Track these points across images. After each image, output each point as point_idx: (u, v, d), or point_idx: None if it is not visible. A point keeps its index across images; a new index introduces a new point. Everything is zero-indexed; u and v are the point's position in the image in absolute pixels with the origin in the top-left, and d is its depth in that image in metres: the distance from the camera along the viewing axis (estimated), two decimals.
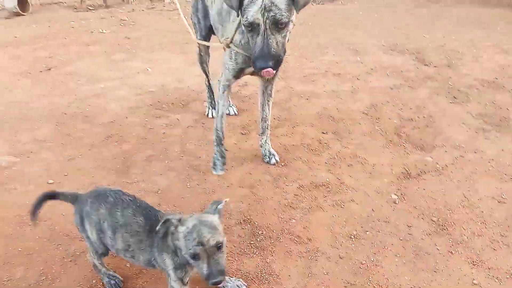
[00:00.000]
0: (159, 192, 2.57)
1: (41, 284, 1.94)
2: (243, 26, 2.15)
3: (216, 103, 2.68)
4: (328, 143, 3.02)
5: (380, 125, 3.25)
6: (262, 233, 2.21)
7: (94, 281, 1.94)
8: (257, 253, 2.09)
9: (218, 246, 1.53)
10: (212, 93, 3.45)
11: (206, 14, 2.95)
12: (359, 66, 4.61)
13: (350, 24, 6.72)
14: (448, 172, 2.67)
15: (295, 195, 2.49)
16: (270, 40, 2.05)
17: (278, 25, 2.05)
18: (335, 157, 2.86)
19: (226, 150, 2.74)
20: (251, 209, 2.38)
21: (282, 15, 2.03)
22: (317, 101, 3.72)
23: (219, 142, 2.68)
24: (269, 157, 2.81)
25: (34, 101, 4.06)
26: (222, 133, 2.66)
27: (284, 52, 2.14)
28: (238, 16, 2.16)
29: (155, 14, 8.64)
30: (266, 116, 2.77)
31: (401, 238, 2.16)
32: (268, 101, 2.74)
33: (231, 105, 3.53)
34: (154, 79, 4.50)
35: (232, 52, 2.42)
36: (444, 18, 6.77)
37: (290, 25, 2.14)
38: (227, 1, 2.17)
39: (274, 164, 2.77)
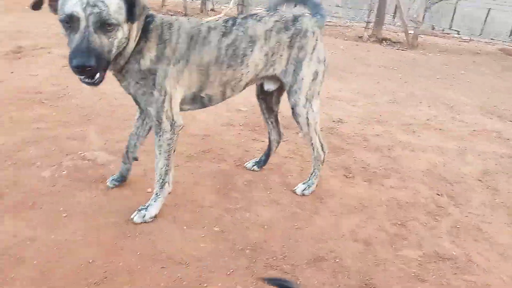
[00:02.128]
0: (265, 227, 2.33)
1: None
2: (60, 24, 1.78)
3: None
4: (446, 208, 2.71)
5: (500, 198, 2.92)
6: None
7: None
8: None
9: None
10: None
11: None
12: (460, 125, 4.30)
13: (439, 77, 6.43)
14: None
15: (419, 264, 2.18)
16: (91, 38, 1.72)
17: (107, 26, 1.76)
18: (457, 226, 2.54)
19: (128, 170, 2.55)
20: (371, 271, 2.09)
21: (110, 15, 1.75)
22: (423, 156, 3.43)
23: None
24: (137, 210, 2.28)
25: (124, 98, 3.95)
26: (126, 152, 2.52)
27: (108, 58, 1.82)
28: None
29: None
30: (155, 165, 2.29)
31: None
32: (156, 147, 2.26)
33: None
34: (244, 97, 4.33)
35: None
36: None
37: (120, 33, 1.83)
38: None
39: (133, 221, 2.23)
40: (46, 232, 2.09)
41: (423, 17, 16.73)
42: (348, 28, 10.72)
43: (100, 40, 1.75)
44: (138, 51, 1.99)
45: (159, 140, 2.18)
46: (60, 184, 2.51)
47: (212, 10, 10.81)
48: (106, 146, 3.00)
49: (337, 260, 2.14)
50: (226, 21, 2.24)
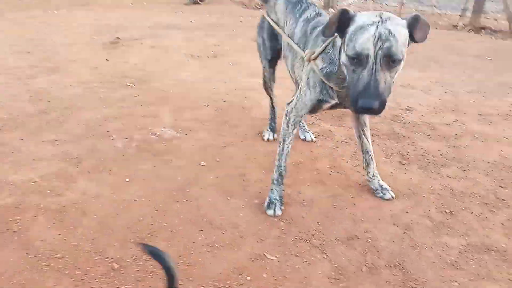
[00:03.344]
0: (304, 203, 2.40)
1: (178, 266, 1.91)
2: (345, 56, 1.78)
3: (281, 140, 2.33)
4: (507, 201, 2.51)
5: None
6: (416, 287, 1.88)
7: (228, 282, 1.85)
8: None
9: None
10: (275, 116, 3.15)
11: (273, 35, 2.70)
12: None
13: None
14: None
15: (460, 253, 2.08)
16: (378, 77, 1.67)
17: (391, 61, 1.69)
18: None
19: (283, 190, 2.42)
20: (404, 254, 2.06)
21: (398, 49, 1.66)
22: (495, 146, 3.17)
23: (281, 181, 2.37)
24: (382, 192, 2.49)
25: (198, 82, 4.28)
26: (285, 172, 2.39)
27: (389, 94, 1.75)
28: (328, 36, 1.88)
29: None
30: (367, 147, 2.49)
31: None
32: (364, 131, 2.47)
33: (307, 130, 3.15)
34: None
35: (311, 78, 2.09)
36: None
37: (401, 66, 1.75)
38: (322, 29, 1.86)
39: (389, 199, 2.46)
40: (109, 192, 2.42)
41: None
42: (442, 17, 10.02)
43: (384, 79, 1.70)
44: None
45: (367, 122, 2.47)
46: (129, 154, 2.86)
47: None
48: (174, 124, 3.31)
49: (370, 240, 2.14)
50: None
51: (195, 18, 7.98)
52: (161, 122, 3.33)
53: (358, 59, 1.71)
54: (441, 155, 3.01)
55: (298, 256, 2.01)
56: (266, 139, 3.10)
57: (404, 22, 1.74)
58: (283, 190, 2.39)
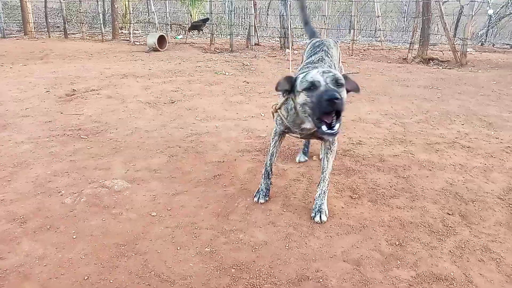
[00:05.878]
0: (256, 248, 2.39)
1: None
2: (301, 97, 2.29)
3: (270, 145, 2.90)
4: (455, 228, 2.58)
5: None
6: None
7: None
8: None
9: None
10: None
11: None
12: (494, 142, 4.06)
13: (482, 93, 6.11)
14: None
15: (409, 285, 2.10)
16: (332, 87, 2.19)
17: (338, 84, 2.22)
18: (463, 246, 2.41)
19: (271, 184, 2.94)
20: None
21: (340, 76, 2.26)
22: (441, 174, 3.29)
23: (267, 176, 2.89)
24: (315, 213, 2.66)
25: (154, 130, 4.28)
26: (271, 169, 2.90)
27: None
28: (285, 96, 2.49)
29: (275, 62, 8.90)
30: (324, 167, 2.70)
31: None
32: (328, 154, 2.70)
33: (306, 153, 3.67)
34: (266, 124, 4.47)
35: (278, 118, 2.69)
36: None
37: (344, 94, 2.26)
38: (279, 86, 2.40)
39: (318, 222, 2.62)
40: (55, 251, 2.33)
41: (486, 34, 15.98)
42: (392, 51, 10.55)
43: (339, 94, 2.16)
44: None
45: (332, 148, 2.71)
46: (78, 209, 2.78)
47: (257, 44, 11.22)
48: (126, 175, 3.27)
49: (321, 280, 2.13)
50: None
51: (154, 65, 8.10)
52: (112, 173, 3.28)
53: (312, 87, 2.21)
54: (390, 186, 3.09)
55: None
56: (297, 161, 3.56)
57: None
58: (271, 184, 2.93)
